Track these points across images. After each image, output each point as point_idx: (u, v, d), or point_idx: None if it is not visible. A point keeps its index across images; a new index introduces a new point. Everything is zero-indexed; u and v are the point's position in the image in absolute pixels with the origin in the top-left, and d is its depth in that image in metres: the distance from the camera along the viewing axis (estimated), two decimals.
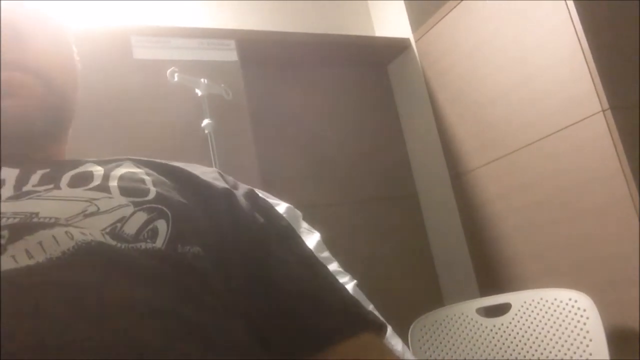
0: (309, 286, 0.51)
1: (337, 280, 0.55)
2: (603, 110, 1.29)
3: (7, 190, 0.46)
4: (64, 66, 0.59)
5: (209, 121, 1.45)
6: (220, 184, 0.57)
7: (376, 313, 0.62)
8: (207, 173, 0.60)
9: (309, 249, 0.58)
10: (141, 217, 0.46)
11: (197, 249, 0.46)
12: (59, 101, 0.57)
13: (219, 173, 0.61)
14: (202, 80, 1.46)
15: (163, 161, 0.58)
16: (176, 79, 1.42)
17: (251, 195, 0.59)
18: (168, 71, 1.42)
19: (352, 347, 0.48)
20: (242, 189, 0.59)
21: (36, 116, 0.53)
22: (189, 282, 0.42)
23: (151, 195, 0.48)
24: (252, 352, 0.43)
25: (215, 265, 0.46)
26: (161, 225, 0.45)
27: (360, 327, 0.50)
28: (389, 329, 0.84)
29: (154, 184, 0.51)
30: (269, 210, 0.58)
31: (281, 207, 0.97)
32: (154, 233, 0.45)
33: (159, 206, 0.47)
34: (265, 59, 1.76)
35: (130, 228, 0.44)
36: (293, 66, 1.84)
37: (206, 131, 1.44)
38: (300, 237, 0.58)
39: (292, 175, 1.71)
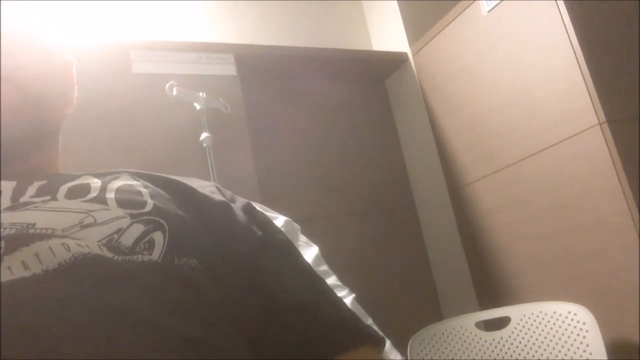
0: (306, 300, 0.51)
1: (335, 294, 0.55)
2: (600, 123, 1.30)
3: (4, 201, 0.46)
4: (43, 75, 0.57)
5: (208, 135, 1.45)
6: (218, 197, 0.57)
7: (375, 327, 0.62)
8: (205, 187, 0.60)
9: (307, 262, 0.58)
10: (138, 229, 0.45)
11: (194, 261, 0.46)
12: (37, 109, 0.55)
13: (217, 187, 0.61)
14: (200, 94, 1.47)
15: (160, 174, 0.58)
16: (175, 92, 1.43)
17: (249, 209, 0.59)
18: (167, 85, 1.43)
19: None
20: (239, 202, 0.59)
21: (10, 124, 0.52)
22: (185, 295, 0.42)
23: (148, 208, 0.48)
24: None
25: (212, 278, 0.46)
26: (158, 237, 0.45)
27: (359, 341, 0.49)
28: (388, 343, 0.84)
29: (151, 196, 0.51)
30: (267, 223, 0.58)
31: (279, 220, 0.97)
32: (151, 245, 0.45)
33: (156, 218, 0.47)
34: (263, 73, 1.77)
35: (127, 240, 0.44)
36: (291, 80, 1.85)
37: (204, 145, 1.45)
38: (298, 251, 0.58)
39: (290, 189, 1.71)
